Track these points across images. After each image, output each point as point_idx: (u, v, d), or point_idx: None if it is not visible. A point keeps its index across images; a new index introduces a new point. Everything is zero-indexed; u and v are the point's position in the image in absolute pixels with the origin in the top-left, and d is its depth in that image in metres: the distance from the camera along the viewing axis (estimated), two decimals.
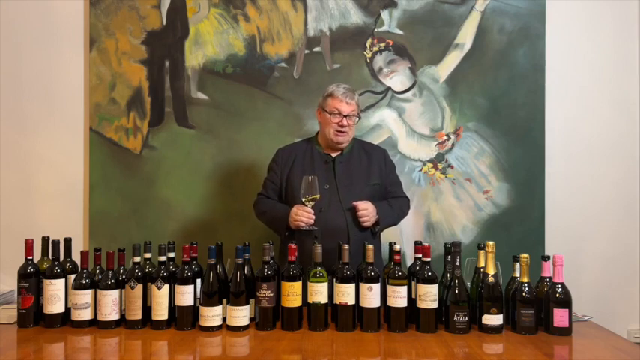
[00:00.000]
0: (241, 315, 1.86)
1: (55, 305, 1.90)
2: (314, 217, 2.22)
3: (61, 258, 1.98)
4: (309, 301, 1.87)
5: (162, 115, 3.07)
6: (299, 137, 3.00)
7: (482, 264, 1.91)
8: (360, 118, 2.44)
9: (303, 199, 2.20)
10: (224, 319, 1.89)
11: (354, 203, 2.29)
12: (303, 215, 2.22)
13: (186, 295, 1.87)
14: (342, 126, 2.34)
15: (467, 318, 1.84)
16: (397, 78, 3.06)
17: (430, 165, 3.05)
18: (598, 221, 3.07)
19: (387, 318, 1.90)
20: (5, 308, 2.05)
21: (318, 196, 2.20)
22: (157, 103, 3.07)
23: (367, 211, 2.28)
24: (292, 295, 1.86)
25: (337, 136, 2.37)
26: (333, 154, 2.44)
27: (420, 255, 1.93)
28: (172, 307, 1.90)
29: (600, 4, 3.06)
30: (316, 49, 3.06)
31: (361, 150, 2.49)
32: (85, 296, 1.89)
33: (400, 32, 3.06)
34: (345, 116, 2.34)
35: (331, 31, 3.06)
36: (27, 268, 1.94)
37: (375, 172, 2.44)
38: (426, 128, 3.07)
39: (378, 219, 2.33)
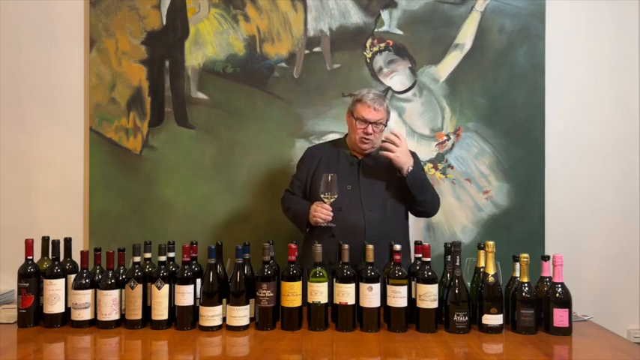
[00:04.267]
0: (241, 315, 1.86)
1: (55, 305, 1.90)
2: (332, 213, 2.25)
3: (61, 258, 1.99)
4: (309, 301, 1.87)
5: (162, 115, 3.06)
6: (299, 137, 3.01)
7: (482, 264, 1.91)
8: (386, 125, 2.40)
9: (322, 196, 2.24)
10: (224, 319, 1.89)
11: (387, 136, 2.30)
12: (321, 212, 2.25)
13: (186, 295, 1.87)
14: (367, 133, 2.34)
15: (467, 318, 1.84)
16: (397, 78, 3.06)
17: (430, 165, 3.05)
18: (598, 221, 3.07)
19: (387, 318, 1.90)
20: (5, 308, 2.05)
21: (337, 194, 2.23)
22: (157, 103, 3.07)
23: (397, 144, 2.27)
24: (292, 295, 1.86)
25: (362, 144, 2.37)
26: (360, 156, 2.45)
27: (420, 255, 1.93)
28: (172, 307, 1.90)
29: (600, 4, 3.06)
30: (316, 49, 3.06)
31: None
32: (85, 296, 1.89)
33: (400, 32, 3.06)
34: (372, 123, 2.33)
35: (331, 31, 3.06)
36: (27, 268, 1.94)
37: (399, 176, 2.38)
38: (426, 128, 3.07)
39: (411, 169, 2.30)
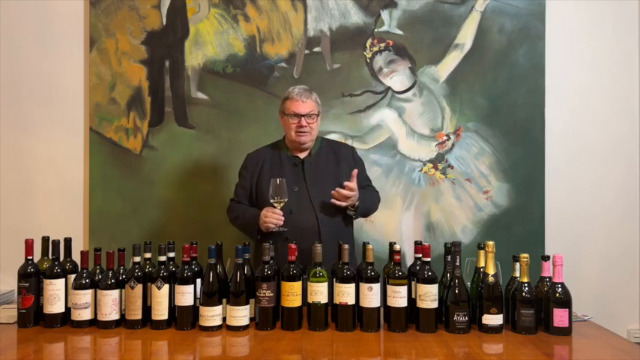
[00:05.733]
0: (241, 315, 1.86)
1: (55, 305, 1.90)
2: (283, 218, 2.25)
3: (61, 258, 1.98)
4: (309, 301, 1.87)
5: (162, 115, 3.07)
6: None
7: (482, 264, 1.91)
8: (318, 116, 2.43)
9: (272, 201, 2.23)
10: (224, 319, 1.89)
11: (345, 183, 2.30)
12: (272, 217, 2.25)
13: (186, 295, 1.87)
14: (301, 126, 2.37)
15: (467, 318, 1.84)
16: (397, 78, 3.06)
17: (430, 165, 3.05)
18: (598, 221, 3.07)
19: (387, 318, 1.90)
20: (5, 308, 2.05)
21: (286, 198, 2.23)
22: (157, 103, 3.07)
23: (353, 192, 2.30)
24: (292, 295, 1.86)
25: (299, 136, 2.40)
26: (301, 156, 2.46)
27: (420, 255, 1.93)
28: (172, 307, 1.90)
29: (600, 4, 3.06)
30: (316, 49, 3.06)
31: (329, 149, 2.52)
32: (85, 296, 1.89)
33: (400, 32, 3.06)
34: (303, 116, 2.37)
35: (331, 31, 3.06)
36: (27, 268, 1.94)
37: (343, 171, 2.43)
38: (426, 128, 3.07)
39: (357, 204, 2.36)
